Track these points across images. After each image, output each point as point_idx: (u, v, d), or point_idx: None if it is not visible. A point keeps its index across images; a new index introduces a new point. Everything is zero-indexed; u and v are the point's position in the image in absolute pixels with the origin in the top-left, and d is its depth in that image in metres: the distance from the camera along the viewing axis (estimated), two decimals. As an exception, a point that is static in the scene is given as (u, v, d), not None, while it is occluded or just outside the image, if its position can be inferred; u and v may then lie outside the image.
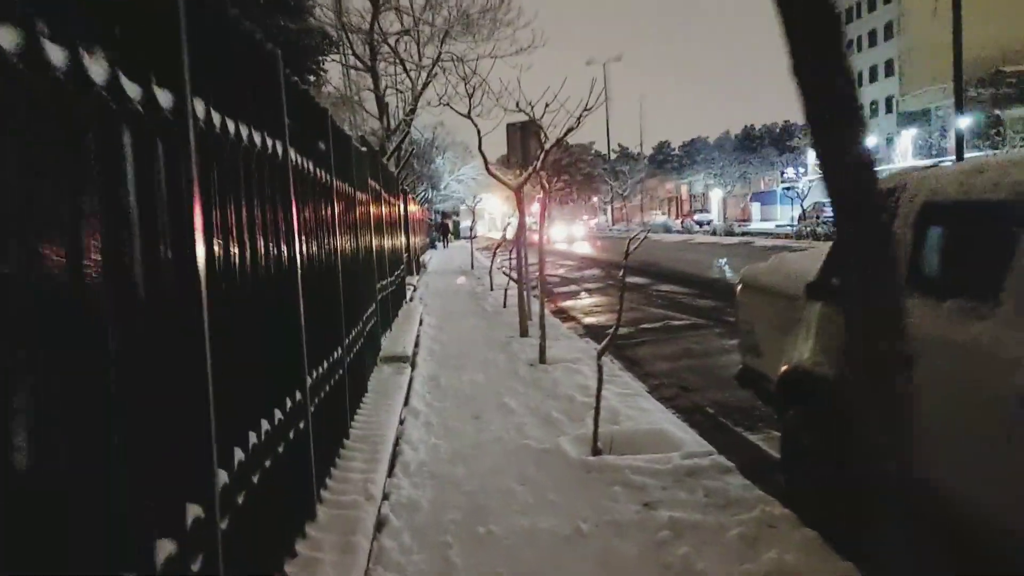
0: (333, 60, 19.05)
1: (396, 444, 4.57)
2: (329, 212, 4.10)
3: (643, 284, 16.12)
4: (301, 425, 2.86)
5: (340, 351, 4.04)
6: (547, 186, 8.47)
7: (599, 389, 4.62)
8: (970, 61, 51.02)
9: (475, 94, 9.05)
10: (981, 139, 31.69)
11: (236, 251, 2.19)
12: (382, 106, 15.74)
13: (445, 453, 4.59)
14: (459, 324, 10.45)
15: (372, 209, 7.78)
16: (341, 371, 4.03)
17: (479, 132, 8.90)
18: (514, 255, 14.56)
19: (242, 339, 2.21)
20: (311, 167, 3.57)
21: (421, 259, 24.12)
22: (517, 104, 7.73)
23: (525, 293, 9.31)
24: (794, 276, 4.02)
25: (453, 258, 29.80)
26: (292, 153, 3.08)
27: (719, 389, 6.70)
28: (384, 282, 7.91)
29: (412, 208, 21.30)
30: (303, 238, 3.25)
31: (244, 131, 2.33)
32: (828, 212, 36.28)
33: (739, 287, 4.57)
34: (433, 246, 40.80)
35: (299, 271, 2.99)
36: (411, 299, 12.99)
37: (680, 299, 12.86)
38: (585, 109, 7.45)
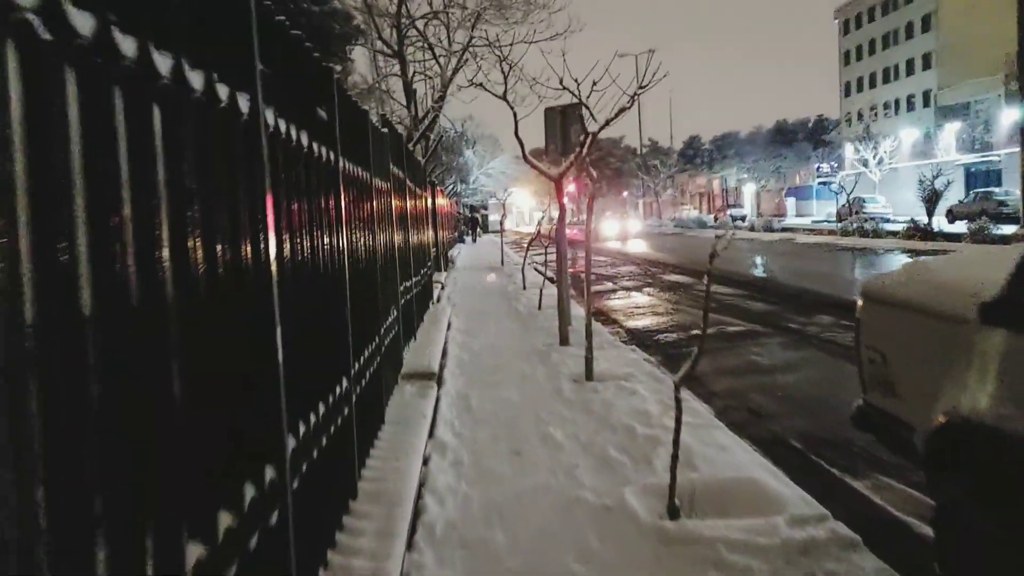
0: (360, 45, 18.20)
1: (419, 494, 3.63)
2: (334, 201, 3.15)
3: (686, 283, 15.05)
4: (274, 519, 1.91)
5: (345, 385, 3.09)
6: (593, 175, 7.46)
7: (677, 431, 3.62)
8: (1012, 55, 49.01)
9: (509, 76, 8.07)
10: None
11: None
12: (409, 93, 14.82)
13: (479, 508, 3.63)
14: (491, 328, 9.49)
15: (395, 200, 6.86)
16: (347, 410, 3.08)
17: (515, 114, 7.92)
18: (551, 251, 13.61)
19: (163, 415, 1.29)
20: (304, 140, 2.62)
21: (450, 254, 23.23)
22: (561, 82, 6.73)
23: (565, 294, 8.31)
24: (951, 290, 2.99)
25: (482, 253, 28.91)
26: (270, 115, 2.14)
27: (798, 415, 5.67)
28: (408, 283, 6.97)
29: (440, 201, 20.43)
30: (288, 234, 2.30)
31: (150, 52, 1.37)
32: (869, 208, 34.67)
33: (862, 302, 3.53)
34: (462, 240, 39.96)
35: (275, 281, 2.04)
36: (439, 299, 12.06)
37: (730, 301, 11.78)
38: (640, 87, 6.43)
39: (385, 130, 6.14)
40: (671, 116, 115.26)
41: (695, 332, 9.27)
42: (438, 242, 16.28)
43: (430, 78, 15.07)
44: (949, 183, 24.34)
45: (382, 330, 4.71)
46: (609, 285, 15.83)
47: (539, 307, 10.82)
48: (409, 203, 8.40)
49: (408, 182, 8.44)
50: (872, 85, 62.12)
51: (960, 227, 22.53)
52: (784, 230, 33.80)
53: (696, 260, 20.54)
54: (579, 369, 6.68)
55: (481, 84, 8.20)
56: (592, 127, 6.57)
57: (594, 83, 6.66)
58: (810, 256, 21.02)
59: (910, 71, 57.31)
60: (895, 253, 19.19)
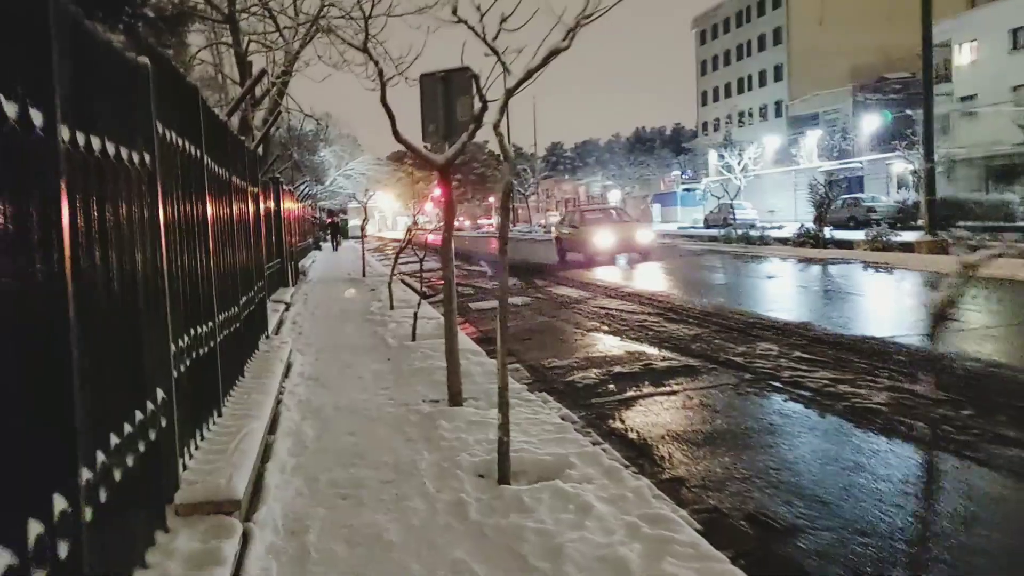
0: (198, 30, 14.92)
1: None
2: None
3: (579, 298, 13.05)
4: None
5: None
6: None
7: None
8: (857, 67, 51.83)
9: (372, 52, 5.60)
10: (896, 140, 30.90)
11: None
12: (244, 66, 11.89)
13: None
14: (349, 374, 6.93)
15: (202, 202, 4.23)
16: None
17: (381, 72, 5.48)
18: (429, 260, 11.17)
19: None
20: None
21: (301, 265, 20.17)
22: (454, 11, 4.33)
23: (454, 330, 5.91)
24: None
25: (341, 262, 25.89)
26: None
27: (842, 542, 3.54)
28: (210, 325, 4.34)
29: (289, 205, 17.43)
30: None
31: None
32: (738, 213, 34.68)
33: None
34: (318, 247, 36.50)
35: None
36: (279, 328, 9.29)
37: (640, 321, 9.82)
38: (576, 23, 4.13)
39: (179, 91, 3.52)
40: (535, 121, 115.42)
41: (618, 369, 7.16)
42: (283, 253, 13.41)
43: (270, 48, 12.22)
44: (842, 187, 24.17)
45: (126, 435, 2.17)
46: (465, 289, 13.60)
47: (413, 337, 8.36)
48: (234, 205, 5.72)
49: (233, 177, 5.77)
50: (728, 95, 64.08)
51: (852, 235, 22.13)
52: (664, 235, 32.80)
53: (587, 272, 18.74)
54: (485, 454, 4.33)
55: (332, 30, 5.65)
56: (502, 84, 4.20)
57: (503, 18, 4.31)
58: (716, 264, 19.79)
59: (763, 82, 59.47)
60: (810, 264, 18.15)
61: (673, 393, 6.24)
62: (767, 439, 4.95)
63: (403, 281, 16.79)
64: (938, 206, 29.74)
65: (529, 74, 4.04)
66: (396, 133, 5.45)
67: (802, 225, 22.67)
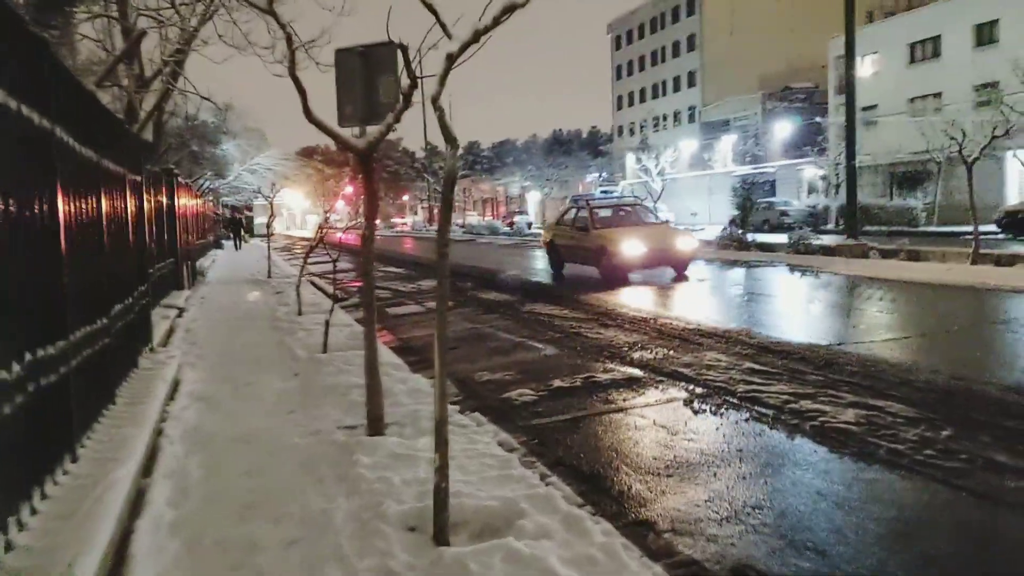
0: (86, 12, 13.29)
1: None
2: None
3: (508, 301, 12.34)
4: None
5: None
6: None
7: None
8: (765, 76, 53.44)
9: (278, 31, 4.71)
10: (808, 146, 31.74)
11: None
12: (131, 42, 10.57)
13: None
14: (247, 394, 5.97)
15: (49, 188, 3.26)
16: None
17: (290, 41, 4.60)
18: (343, 259, 10.19)
19: None
20: None
21: (199, 265, 18.66)
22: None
23: (374, 345, 5.06)
24: None
25: (245, 262, 24.32)
26: None
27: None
28: (59, 346, 3.37)
29: (186, 199, 16.04)
30: None
31: None
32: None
33: None
34: (219, 246, 34.45)
35: None
36: (167, 339, 8.16)
37: (574, 328, 9.21)
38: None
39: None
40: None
41: (558, 383, 6.47)
42: (178, 252, 12.15)
43: (163, 23, 10.92)
44: (763, 191, 24.41)
45: None
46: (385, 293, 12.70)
47: (324, 348, 7.43)
48: (86, 193, 4.69)
49: (104, 163, 4.75)
50: (643, 99, 64.93)
51: (772, 237, 22.24)
52: None
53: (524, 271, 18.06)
54: (415, 499, 3.55)
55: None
56: (451, 47, 3.39)
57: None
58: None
59: (677, 88, 60.50)
60: (734, 267, 17.99)
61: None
62: (736, 468, 4.35)
63: (313, 283, 15.67)
64: (845, 211, 30.81)
65: (477, 36, 3.26)
66: (308, 112, 4.58)
67: (724, 228, 22.75)
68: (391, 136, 5.09)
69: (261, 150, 43.40)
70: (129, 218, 5.96)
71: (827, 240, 19.95)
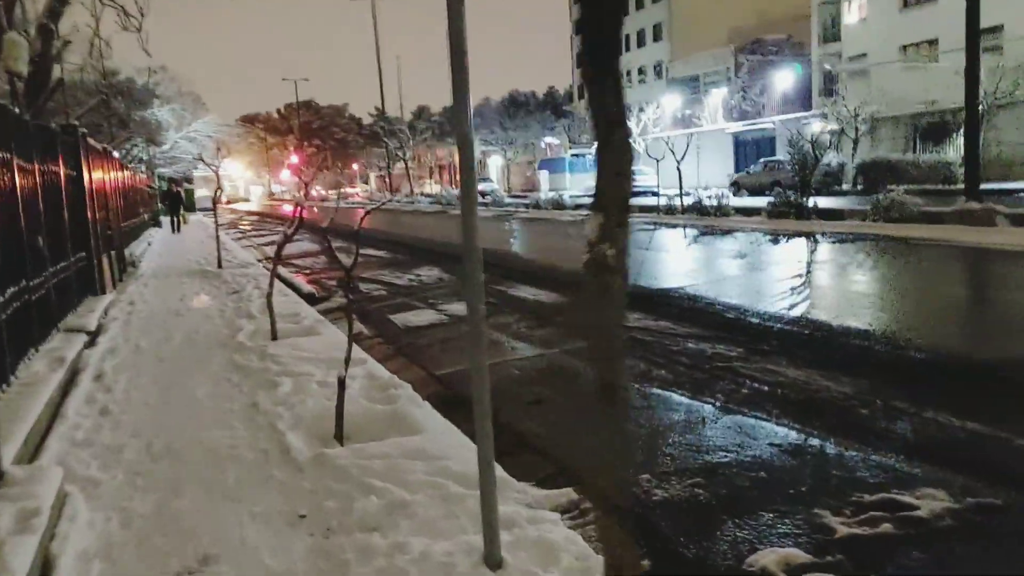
0: None
1: None
2: None
3: (559, 304, 9.35)
4: None
5: None
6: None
7: None
8: (735, 29, 50.85)
9: None
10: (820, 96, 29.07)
11: None
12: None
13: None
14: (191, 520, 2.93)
15: None
16: None
17: None
18: (302, 238, 6.84)
19: None
20: None
21: (129, 254, 15.15)
22: None
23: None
24: None
25: (188, 246, 20.67)
26: None
27: None
28: None
29: (105, 172, 12.56)
30: None
31: None
32: (639, 180, 32.05)
33: None
34: (157, 224, 30.41)
35: None
36: (57, 411, 4.96)
37: (708, 353, 6.35)
38: None
39: None
40: (400, 83, 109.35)
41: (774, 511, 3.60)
42: (93, 242, 8.86)
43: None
44: (827, 147, 21.25)
45: None
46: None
47: (338, 428, 4.31)
48: None
49: None
50: (606, 55, 61.67)
51: (833, 201, 19.07)
52: (579, 207, 28.56)
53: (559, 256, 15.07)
54: None
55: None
56: None
57: None
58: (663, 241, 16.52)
59: (641, 42, 57.49)
60: (839, 242, 14.75)
61: None
62: None
63: (279, 276, 12.36)
64: (868, 168, 28.45)
65: None
66: None
67: (722, 192, 19.79)
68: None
69: (198, 116, 39.15)
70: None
71: (924, 204, 15.53)
